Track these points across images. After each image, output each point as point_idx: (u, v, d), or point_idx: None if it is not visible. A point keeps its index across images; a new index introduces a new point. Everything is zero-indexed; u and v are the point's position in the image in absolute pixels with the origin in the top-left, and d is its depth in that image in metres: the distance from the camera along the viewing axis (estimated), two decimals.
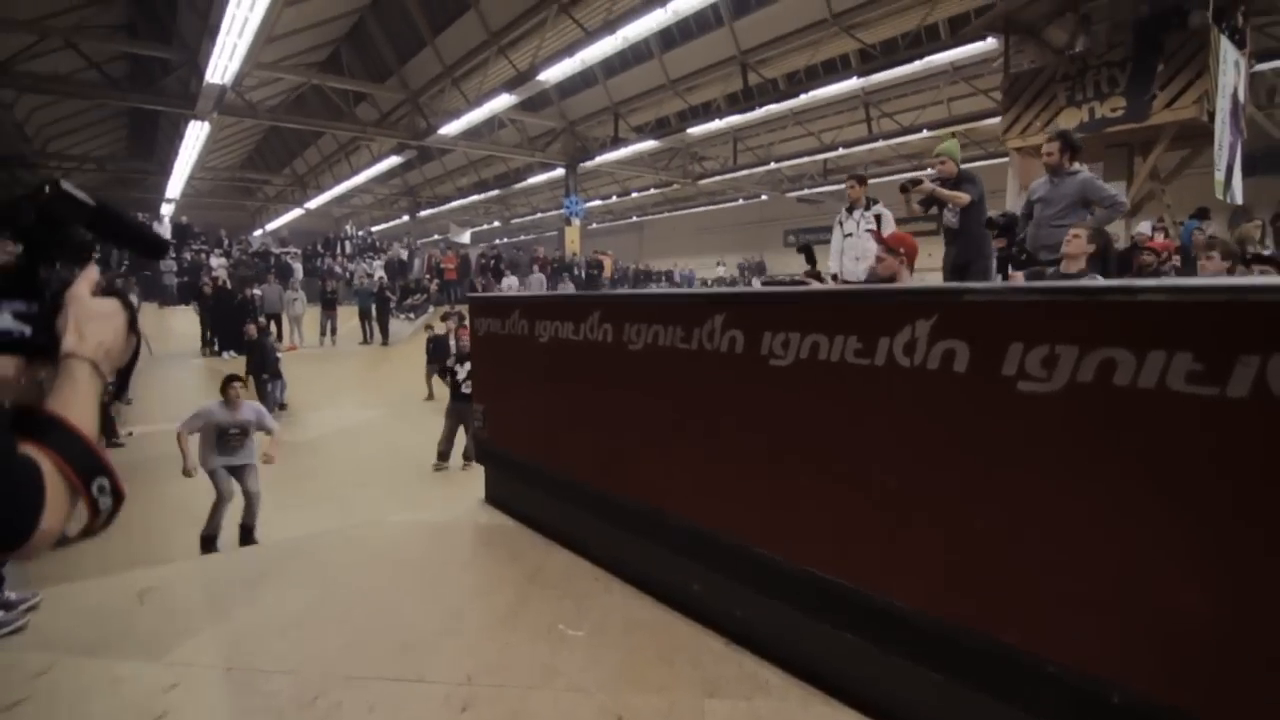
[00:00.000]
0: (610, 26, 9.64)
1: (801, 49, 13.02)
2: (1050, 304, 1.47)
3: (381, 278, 15.84)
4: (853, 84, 12.18)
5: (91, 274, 0.82)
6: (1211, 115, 7.65)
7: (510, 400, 3.45)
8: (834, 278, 5.70)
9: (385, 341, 14.49)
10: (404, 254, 19.59)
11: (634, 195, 24.51)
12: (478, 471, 3.86)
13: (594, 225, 29.96)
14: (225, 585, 2.77)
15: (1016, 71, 9.07)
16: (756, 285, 24.72)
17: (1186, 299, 1.29)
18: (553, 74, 11.03)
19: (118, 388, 0.85)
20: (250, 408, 5.46)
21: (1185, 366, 1.28)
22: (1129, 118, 7.94)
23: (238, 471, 5.32)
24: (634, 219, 30.13)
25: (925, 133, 14.90)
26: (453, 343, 9.91)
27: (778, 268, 25.60)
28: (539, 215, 27.84)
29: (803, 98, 12.74)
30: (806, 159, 18.08)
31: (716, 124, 14.40)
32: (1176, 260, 7.73)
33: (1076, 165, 4.44)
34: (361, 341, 14.72)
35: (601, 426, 2.77)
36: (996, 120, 10.18)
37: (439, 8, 13.18)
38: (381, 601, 2.58)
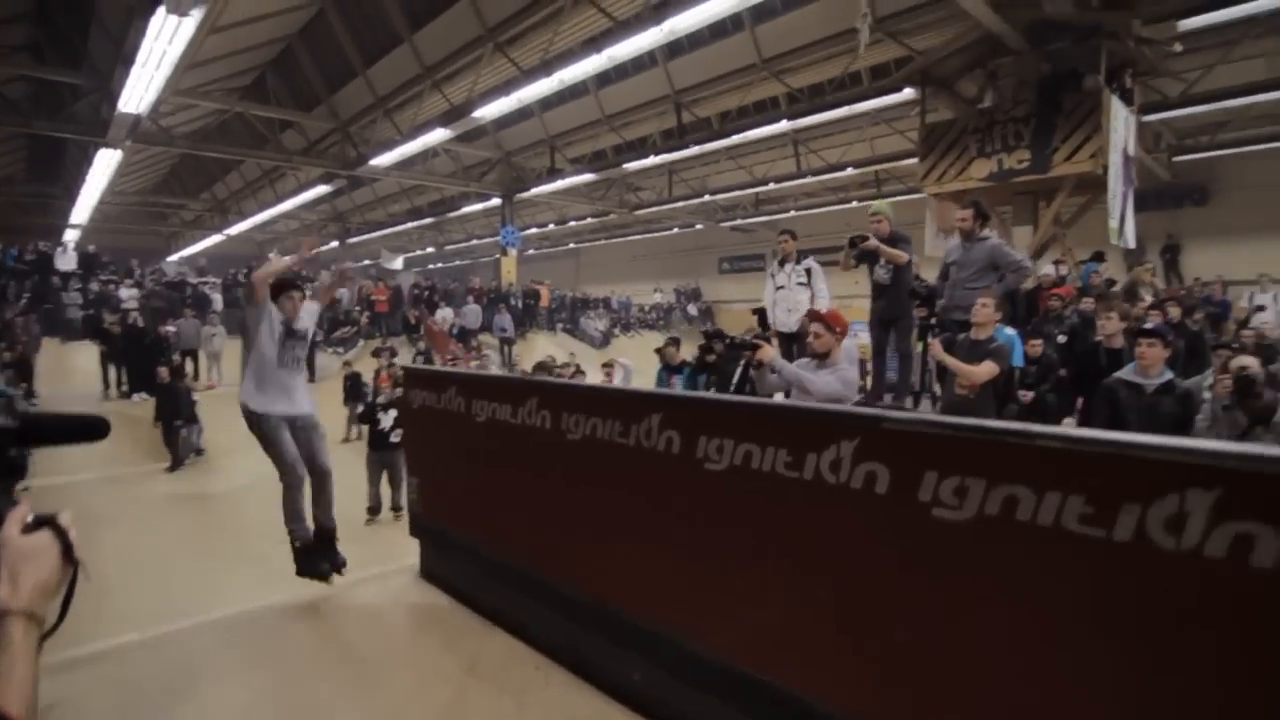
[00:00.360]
0: (547, 68, 9.72)
1: (733, 90, 13.44)
2: (959, 439, 1.58)
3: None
4: (782, 125, 12.65)
5: (20, 511, 0.80)
6: (1105, 168, 8.33)
7: (446, 476, 3.40)
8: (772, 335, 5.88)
9: (312, 378, 13.91)
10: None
11: (571, 223, 24.58)
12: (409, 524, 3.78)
13: (531, 251, 29.82)
14: (140, 693, 2.61)
15: (932, 123, 9.65)
16: (692, 310, 25.19)
17: (1079, 449, 1.42)
18: (488, 111, 11.01)
19: (59, 619, 0.82)
20: None
21: (1079, 510, 1.40)
22: (1033, 169, 8.55)
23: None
24: (571, 246, 30.17)
25: (850, 170, 15.60)
26: (373, 385, 9.66)
27: (713, 294, 26.13)
28: (475, 241, 27.54)
29: (734, 137, 13.15)
30: (739, 192, 18.58)
31: (652, 160, 14.66)
32: (1087, 303, 8.31)
33: (987, 231, 4.77)
34: None
35: (540, 511, 2.77)
36: (914, 160, 10.79)
37: (371, 40, 12.98)
38: (314, 700, 2.48)
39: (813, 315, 3.43)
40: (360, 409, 9.95)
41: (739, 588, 2.04)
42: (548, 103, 14.96)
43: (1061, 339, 6.44)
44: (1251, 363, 3.69)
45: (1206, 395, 3.97)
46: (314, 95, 14.79)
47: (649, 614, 2.30)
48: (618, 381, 8.59)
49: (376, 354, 11.41)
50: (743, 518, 2.02)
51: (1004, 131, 8.79)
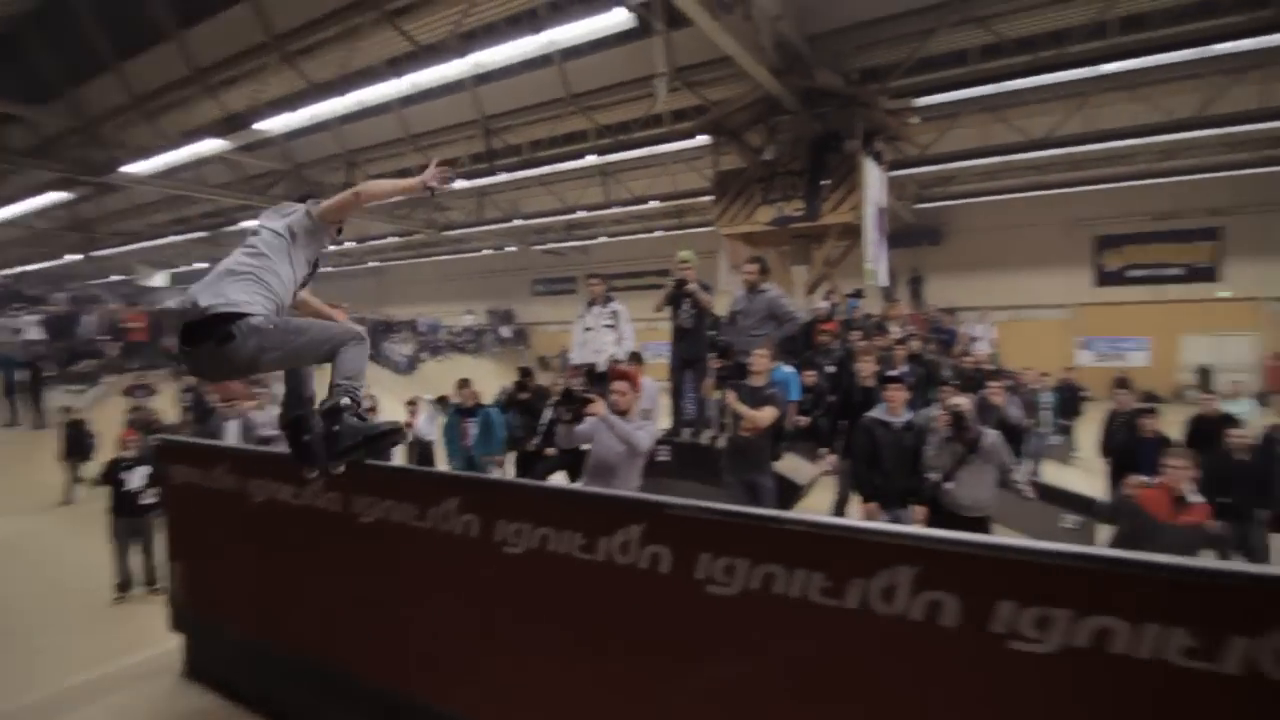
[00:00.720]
0: (342, 86, 9.14)
1: (543, 121, 13.62)
2: (728, 523, 1.78)
3: (36, 338, 12.71)
4: (589, 159, 13.06)
5: None
6: (862, 220, 9.70)
7: (217, 562, 3.05)
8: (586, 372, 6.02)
9: (42, 424, 11.60)
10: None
11: (372, 241, 23.15)
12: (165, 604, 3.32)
13: (328, 269, 27.58)
14: None
15: (723, 170, 10.57)
16: (505, 332, 24.89)
17: (818, 532, 1.67)
18: (273, 124, 10.08)
19: None
20: None
21: (819, 583, 1.65)
22: (806, 217, 9.72)
23: None
24: (372, 264, 28.38)
25: (654, 203, 16.49)
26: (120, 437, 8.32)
27: (527, 316, 26.08)
28: None
29: (545, 168, 13.32)
30: (550, 219, 18.81)
31: (460, 184, 14.34)
32: (853, 336, 9.56)
33: (767, 284, 5.34)
34: (6, 425, 11.60)
35: (331, 601, 2.60)
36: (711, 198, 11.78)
37: (126, 31, 11.26)
38: None
39: (617, 374, 3.62)
40: (84, 465, 8.50)
41: (546, 673, 2.08)
42: (346, 116, 14.04)
43: (830, 369, 7.36)
44: (963, 401, 4.53)
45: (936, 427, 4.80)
46: (49, 87, 12.47)
47: (456, 705, 2.26)
48: (421, 421, 8.24)
49: (129, 392, 9.82)
50: (543, 601, 2.07)
51: (783, 182, 9.89)
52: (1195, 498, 4.03)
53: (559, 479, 4.64)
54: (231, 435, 6.26)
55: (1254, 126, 11.25)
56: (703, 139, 11.53)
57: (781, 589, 1.69)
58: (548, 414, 5.65)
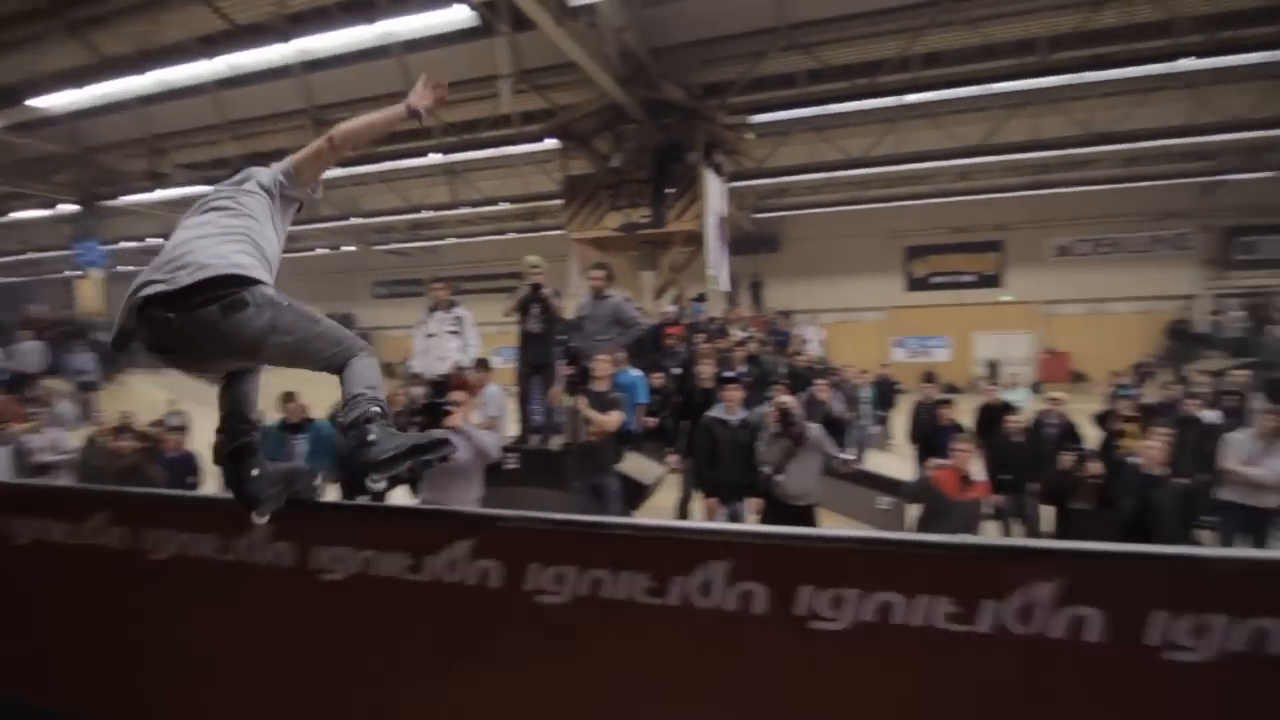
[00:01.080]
0: (142, 62, 8.10)
1: None
2: (554, 533, 1.80)
3: None
4: (433, 157, 12.59)
5: None
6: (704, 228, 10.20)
7: None
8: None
9: None
10: None
11: None
12: None
13: (130, 269, 24.26)
14: None
15: (573, 175, 10.64)
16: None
17: (639, 535, 1.74)
18: (53, 102, 8.72)
19: None
20: None
21: (644, 584, 1.71)
22: (653, 225, 10.04)
23: None
24: None
25: (503, 205, 16.22)
26: None
27: (368, 320, 24.50)
28: (37, 255, 21.33)
29: (385, 164, 12.65)
30: (393, 217, 17.90)
31: None
32: (697, 339, 9.98)
33: (611, 291, 5.45)
34: None
35: (122, 650, 2.29)
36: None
37: None
38: None
39: (456, 384, 3.57)
40: None
41: (375, 706, 1.98)
42: (150, 96, 12.46)
43: (676, 371, 7.66)
44: (789, 399, 4.91)
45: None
46: None
47: None
48: None
49: None
50: (369, 629, 1.97)
51: (630, 189, 10.15)
52: (978, 476, 4.66)
53: (399, 492, 4.43)
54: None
55: (1027, 155, 13.24)
56: (552, 142, 11.53)
57: (609, 592, 1.73)
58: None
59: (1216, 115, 11.66)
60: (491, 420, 4.89)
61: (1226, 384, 8.29)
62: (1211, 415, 6.77)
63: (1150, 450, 4.69)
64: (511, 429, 6.13)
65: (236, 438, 1.95)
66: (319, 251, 22.13)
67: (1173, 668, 1.41)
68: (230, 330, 1.68)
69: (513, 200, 16.13)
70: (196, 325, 1.67)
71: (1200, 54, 9.22)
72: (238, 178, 2.01)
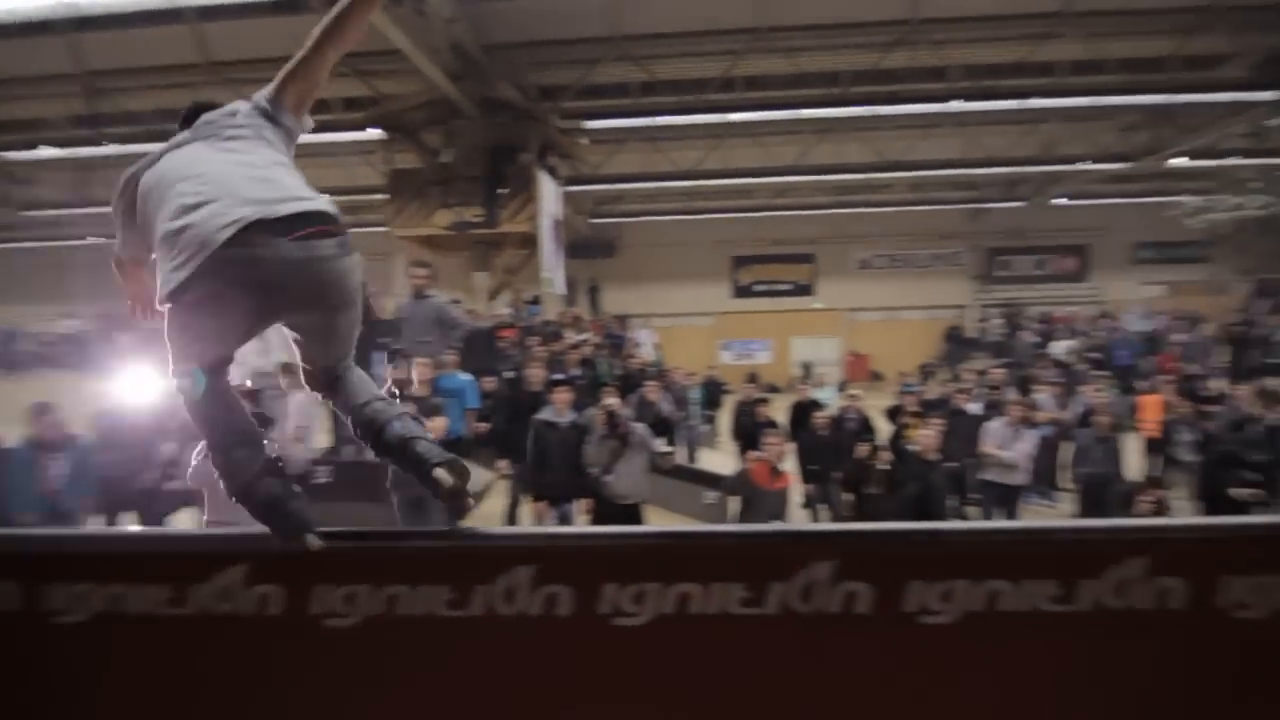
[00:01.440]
0: None
1: (173, 88, 11.39)
2: (343, 550, 1.68)
3: None
4: None
5: None
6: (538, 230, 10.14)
7: None
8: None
9: None
10: None
11: None
12: None
13: None
14: None
15: (399, 169, 10.08)
16: (125, 341, 20.18)
17: (437, 546, 1.67)
18: None
19: None
20: None
21: (445, 596, 1.64)
22: (486, 224, 9.81)
23: None
24: None
25: (327, 197, 14.97)
26: None
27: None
28: None
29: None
30: None
31: (51, 152, 11.27)
32: (533, 341, 9.87)
33: (433, 291, 5.22)
34: None
35: None
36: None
37: None
38: None
39: (248, 392, 3.19)
40: None
41: None
42: None
43: (510, 375, 7.52)
44: (615, 400, 5.01)
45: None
46: None
47: None
48: None
49: None
50: (118, 676, 1.70)
51: (462, 187, 9.83)
52: (785, 467, 5.05)
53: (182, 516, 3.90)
54: None
55: (832, 177, 14.69)
56: (376, 132, 10.86)
57: (406, 609, 1.64)
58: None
59: (982, 152, 13.72)
60: (299, 431, 4.48)
61: (987, 380, 9.73)
62: (975, 407, 7.90)
63: (926, 439, 5.36)
64: (323, 439, 5.65)
65: (254, 462, 1.56)
66: (91, 240, 19.01)
67: (927, 630, 1.58)
68: (340, 273, 1.43)
69: (333, 192, 14.88)
70: (314, 254, 1.37)
71: (967, 98, 10.78)
72: (228, 109, 1.62)
